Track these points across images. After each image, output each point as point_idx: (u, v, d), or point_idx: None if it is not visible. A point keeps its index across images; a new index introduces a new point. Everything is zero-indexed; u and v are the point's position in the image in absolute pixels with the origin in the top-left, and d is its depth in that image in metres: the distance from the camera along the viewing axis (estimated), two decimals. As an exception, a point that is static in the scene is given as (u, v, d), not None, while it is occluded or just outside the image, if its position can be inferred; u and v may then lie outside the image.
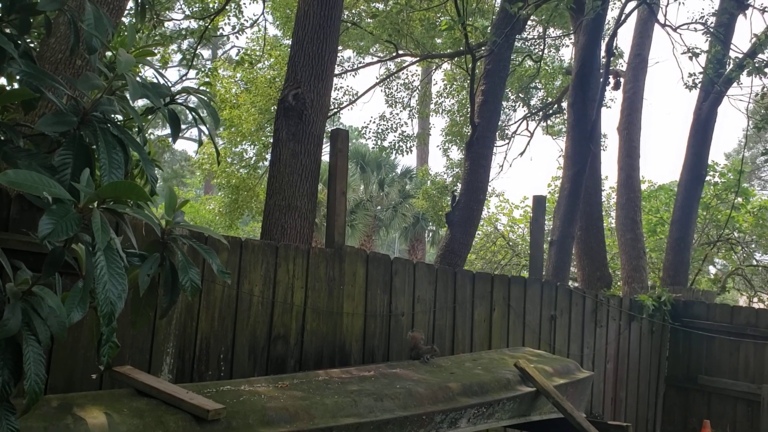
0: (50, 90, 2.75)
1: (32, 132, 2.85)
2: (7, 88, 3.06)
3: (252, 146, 17.74)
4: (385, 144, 18.71)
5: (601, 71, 11.30)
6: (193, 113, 3.26)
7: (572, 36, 14.53)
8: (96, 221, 2.10)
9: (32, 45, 4.80)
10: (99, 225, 2.10)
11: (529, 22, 15.18)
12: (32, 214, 3.81)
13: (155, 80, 3.19)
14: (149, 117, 3.52)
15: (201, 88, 3.44)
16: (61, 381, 3.95)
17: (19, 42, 2.85)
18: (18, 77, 2.61)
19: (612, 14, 14.84)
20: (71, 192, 2.19)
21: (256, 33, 17.33)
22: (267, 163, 12.41)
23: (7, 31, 2.95)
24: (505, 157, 18.68)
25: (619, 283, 14.12)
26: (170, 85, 3.48)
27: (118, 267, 2.20)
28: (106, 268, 2.16)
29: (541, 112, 18.29)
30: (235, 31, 14.84)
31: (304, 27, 6.99)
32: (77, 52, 3.18)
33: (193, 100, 3.45)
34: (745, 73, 11.20)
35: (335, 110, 17.58)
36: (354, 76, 30.26)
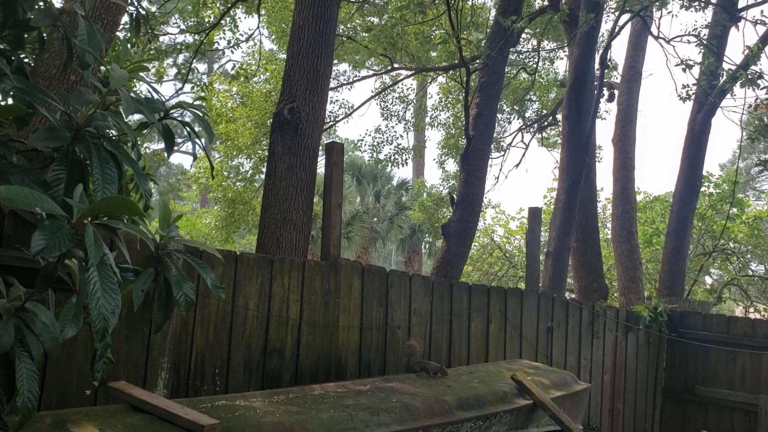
0: (43, 105, 2.75)
1: (25, 148, 2.85)
2: (1, 103, 3.06)
3: (248, 160, 17.74)
4: (381, 156, 18.76)
5: (596, 83, 11.34)
6: (188, 128, 3.26)
7: (566, 48, 14.60)
8: (89, 237, 2.10)
9: (26, 60, 4.81)
10: (92, 240, 2.09)
11: (524, 35, 15.25)
12: (26, 230, 3.80)
13: (149, 95, 3.19)
14: (143, 132, 3.52)
15: (195, 102, 3.44)
16: (54, 397, 3.93)
17: (13, 58, 2.86)
18: (11, 93, 2.61)
19: (606, 27, 14.94)
20: (64, 207, 2.19)
21: (252, 47, 17.39)
22: (263, 177, 12.40)
23: (1, 47, 2.95)
24: (500, 169, 18.70)
25: (615, 295, 14.11)
26: (165, 99, 3.49)
27: (111, 282, 2.19)
28: (99, 283, 2.15)
29: (536, 124, 18.34)
30: (231, 45, 14.89)
31: (299, 41, 7.01)
32: (71, 67, 3.18)
33: (188, 115, 3.45)
34: (738, 84, 11.24)
35: (331, 123, 17.62)
36: (349, 89, 30.37)
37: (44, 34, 3.81)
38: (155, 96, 3.22)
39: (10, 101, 3.20)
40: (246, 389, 4.88)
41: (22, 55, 4.21)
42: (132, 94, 2.81)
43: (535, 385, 5.33)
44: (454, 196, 10.30)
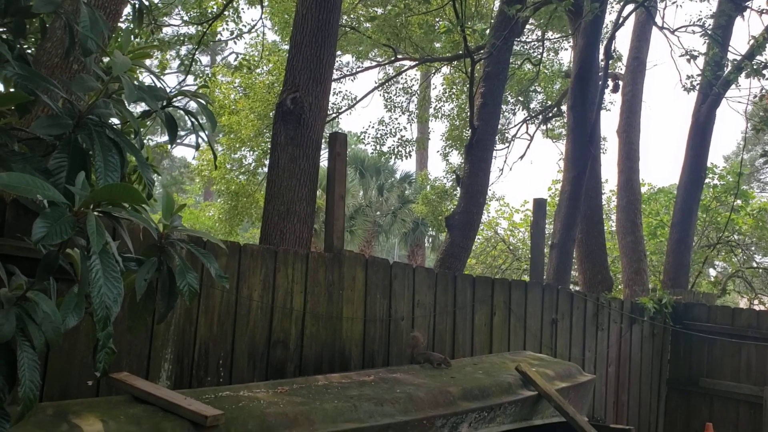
0: (45, 93, 2.73)
1: (27, 135, 2.82)
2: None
3: (251, 152, 17.71)
4: (384, 149, 18.69)
5: (600, 74, 11.28)
6: (190, 116, 3.23)
7: (571, 39, 14.53)
8: (91, 224, 2.07)
9: (29, 51, 4.77)
10: (94, 228, 2.07)
11: (528, 26, 15.18)
12: (27, 220, 3.78)
13: (153, 84, 3.16)
14: (146, 122, 3.49)
15: (198, 92, 3.41)
16: (56, 388, 3.91)
17: (18, 45, 2.83)
18: (13, 80, 2.58)
19: (610, 17, 14.85)
20: (66, 195, 2.16)
21: (255, 38, 17.33)
22: (266, 170, 12.38)
23: (3, 36, 2.92)
24: (505, 161, 18.75)
25: (620, 286, 14.09)
26: (168, 89, 3.46)
27: (113, 271, 2.16)
28: (101, 271, 2.13)
29: (540, 115, 18.27)
30: (234, 36, 14.84)
31: (302, 30, 6.96)
32: (73, 54, 3.15)
33: (191, 105, 3.43)
34: (743, 75, 11.18)
35: (334, 115, 17.57)
36: (353, 80, 30.29)
37: (46, 23, 3.78)
38: (158, 85, 3.19)
39: (11, 91, 3.18)
40: (250, 380, 4.86)
41: (24, 45, 4.18)
42: (135, 83, 2.78)
43: (540, 376, 5.31)
44: (459, 174, 10.26)
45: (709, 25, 11.96)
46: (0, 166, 2.42)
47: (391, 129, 18.53)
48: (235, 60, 17.73)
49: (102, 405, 3.27)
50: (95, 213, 2.16)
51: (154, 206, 4.49)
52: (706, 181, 15.20)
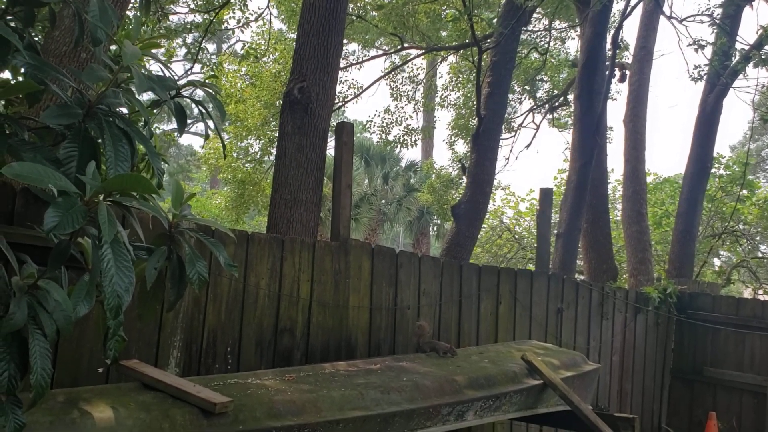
0: (55, 82, 2.73)
1: (36, 125, 2.84)
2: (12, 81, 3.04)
3: (257, 141, 17.72)
4: (390, 137, 18.66)
5: (607, 63, 11.25)
6: (199, 107, 3.24)
7: (578, 28, 14.47)
8: (102, 214, 2.09)
9: (37, 39, 4.79)
10: (105, 218, 2.08)
11: (535, 15, 15.12)
12: (37, 208, 3.81)
13: (161, 74, 3.17)
14: (155, 111, 3.50)
15: (207, 81, 3.42)
16: (67, 375, 3.95)
17: (24, 35, 2.83)
18: (23, 70, 2.59)
19: (618, 6, 14.77)
20: (77, 185, 2.17)
21: (261, 27, 17.26)
22: (272, 158, 12.38)
23: (12, 24, 2.93)
24: (511, 150, 18.62)
25: (625, 276, 14.09)
26: (176, 78, 3.46)
27: (125, 260, 2.18)
28: (113, 261, 2.14)
29: (547, 105, 18.23)
30: (240, 24, 14.81)
31: (309, 19, 6.96)
32: (82, 44, 3.16)
33: (199, 94, 3.44)
34: (751, 65, 11.16)
35: (340, 104, 17.55)
36: (359, 69, 30.22)
37: (55, 11, 3.79)
38: (167, 74, 3.19)
39: (20, 79, 3.19)
40: (257, 368, 4.90)
41: (33, 34, 4.19)
42: (143, 72, 2.79)
43: (545, 365, 5.33)
44: (465, 164, 10.28)
45: (718, 14, 11.93)
46: (11, 156, 2.44)
47: (396, 118, 18.51)
48: (242, 48, 17.69)
49: (112, 392, 3.30)
50: (106, 202, 2.18)
51: (162, 195, 4.52)
52: (712, 171, 15.18)
